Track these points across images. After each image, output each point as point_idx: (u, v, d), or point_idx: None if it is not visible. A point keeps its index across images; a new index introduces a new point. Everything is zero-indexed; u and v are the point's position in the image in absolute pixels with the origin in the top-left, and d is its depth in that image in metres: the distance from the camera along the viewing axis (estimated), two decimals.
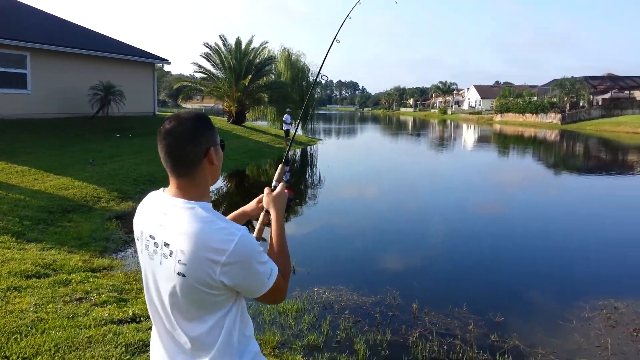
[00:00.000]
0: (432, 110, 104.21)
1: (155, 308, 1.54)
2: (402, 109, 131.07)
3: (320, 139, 31.32)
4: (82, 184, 10.28)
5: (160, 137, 1.49)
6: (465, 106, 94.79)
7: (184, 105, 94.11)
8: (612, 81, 60.64)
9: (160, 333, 1.54)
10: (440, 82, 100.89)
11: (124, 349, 3.63)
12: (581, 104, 57.65)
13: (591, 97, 56.87)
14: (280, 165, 2.01)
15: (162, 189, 1.57)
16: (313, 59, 45.62)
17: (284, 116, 24.20)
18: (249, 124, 29.57)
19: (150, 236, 1.50)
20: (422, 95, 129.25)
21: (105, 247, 6.86)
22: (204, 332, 1.45)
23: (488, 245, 7.98)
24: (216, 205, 11.37)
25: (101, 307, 4.58)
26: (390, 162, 21.62)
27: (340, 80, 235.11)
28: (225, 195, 12.71)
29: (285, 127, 24.27)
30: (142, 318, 4.47)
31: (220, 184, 14.13)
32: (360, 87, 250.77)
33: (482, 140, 38.31)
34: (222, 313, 1.45)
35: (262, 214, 1.82)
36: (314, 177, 15.97)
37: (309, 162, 21.10)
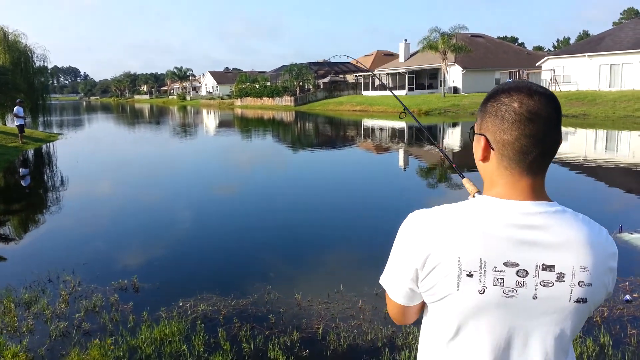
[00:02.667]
0: (171, 97, 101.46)
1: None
2: (137, 97, 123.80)
3: (60, 134, 27.20)
4: None
5: (523, 118, 1.06)
6: (203, 92, 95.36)
7: None
8: (329, 66, 69.47)
9: None
10: (176, 67, 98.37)
11: None
12: (307, 87, 64.39)
13: (316, 81, 63.94)
14: None
15: (476, 195, 1.12)
16: (38, 40, 39.09)
17: (15, 108, 20.05)
18: None
19: (506, 264, 1.04)
20: (157, 81, 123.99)
21: None
22: None
23: (282, 221, 8.26)
24: None
25: None
26: (141, 153, 20.30)
27: (56, 66, 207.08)
28: None
29: (17, 122, 20.13)
30: None
31: None
32: (82, 73, 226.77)
33: (226, 124, 39.27)
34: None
35: None
36: (72, 179, 13.81)
37: (52, 162, 18.16)
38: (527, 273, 1.04)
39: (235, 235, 7.70)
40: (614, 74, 36.28)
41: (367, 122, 34.58)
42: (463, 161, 16.20)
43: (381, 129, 29.43)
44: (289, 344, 4.11)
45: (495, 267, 1.04)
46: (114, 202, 10.52)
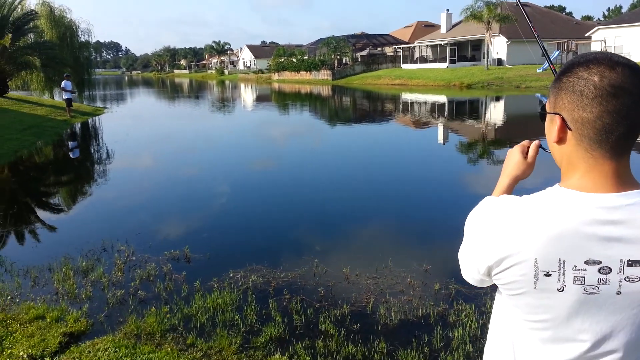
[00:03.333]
0: (209, 71, 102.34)
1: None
2: (177, 71, 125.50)
3: (106, 107, 27.95)
4: None
5: (604, 93, 0.96)
6: (241, 66, 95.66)
7: None
8: (368, 39, 68.30)
9: None
10: (214, 41, 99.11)
11: None
12: (344, 60, 63.60)
13: (354, 54, 63.04)
14: None
15: (556, 187, 1.03)
16: (81, 15, 39.96)
17: (63, 82, 20.64)
18: (14, 94, 24.55)
19: (588, 262, 0.98)
20: (195, 56, 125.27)
21: None
22: None
23: (336, 194, 8.23)
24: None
25: None
26: (183, 127, 20.63)
27: (98, 41, 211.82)
28: (13, 193, 10.41)
29: (65, 96, 20.76)
30: None
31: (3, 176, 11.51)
32: (124, 48, 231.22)
33: (264, 99, 39.39)
34: None
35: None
36: (119, 151, 14.17)
37: (99, 135, 18.68)
38: (611, 270, 0.98)
39: (280, 208, 7.75)
40: None
41: (407, 96, 33.96)
42: (507, 136, 15.73)
43: (420, 103, 28.86)
44: (339, 317, 4.13)
45: (575, 265, 0.98)
46: (161, 175, 10.77)
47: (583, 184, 1.01)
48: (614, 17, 57.62)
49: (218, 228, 6.87)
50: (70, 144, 16.66)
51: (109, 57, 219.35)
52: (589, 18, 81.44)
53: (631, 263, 0.97)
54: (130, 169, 11.62)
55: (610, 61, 0.97)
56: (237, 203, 8.23)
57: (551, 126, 1.07)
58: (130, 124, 22.14)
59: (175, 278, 5.02)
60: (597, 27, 41.21)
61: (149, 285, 4.89)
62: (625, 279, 0.98)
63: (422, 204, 7.87)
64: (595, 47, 39.31)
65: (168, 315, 4.17)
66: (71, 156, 14.31)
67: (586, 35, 41.68)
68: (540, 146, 1.31)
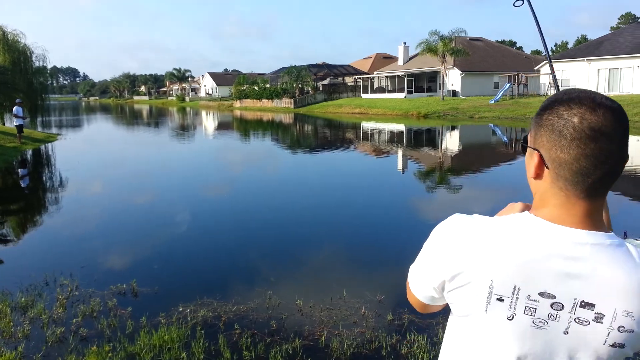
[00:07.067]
0: (170, 98, 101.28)
1: None
2: (136, 97, 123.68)
3: (59, 134, 27.08)
4: None
5: (583, 136, 0.93)
6: (202, 93, 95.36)
7: None
8: (329, 69, 69.52)
9: None
10: (175, 69, 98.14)
11: None
12: (306, 89, 64.36)
13: (315, 83, 63.90)
14: None
15: (525, 213, 1.02)
16: (36, 40, 38.96)
17: (14, 108, 19.92)
18: None
19: (542, 294, 0.95)
20: (156, 82, 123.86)
21: None
22: None
23: (295, 223, 8.18)
24: None
25: None
26: (139, 154, 20.22)
27: (55, 67, 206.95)
28: None
29: (16, 122, 20.02)
30: None
31: None
32: (82, 73, 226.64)
33: (225, 126, 39.22)
34: None
35: None
36: (70, 180, 13.69)
37: (51, 163, 18.04)
38: (563, 307, 0.96)
39: (235, 239, 7.60)
40: (613, 78, 36.30)
41: (367, 125, 34.50)
42: (463, 164, 16.12)
43: (380, 132, 29.37)
44: (290, 352, 4.02)
45: (529, 295, 0.96)
46: (113, 204, 10.42)
47: (554, 216, 0.99)
48: (561, 52, 60.85)
49: (169, 259, 6.64)
50: (20, 171, 15.99)
51: (66, 82, 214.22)
52: (538, 52, 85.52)
53: (584, 304, 0.95)
54: (80, 197, 11.21)
55: (593, 102, 0.95)
56: (191, 232, 8.02)
57: (530, 160, 1.06)
58: (83, 151, 21.47)
59: (120, 314, 4.80)
60: (545, 61, 43.34)
61: (91, 322, 4.64)
62: (575, 319, 0.96)
63: (378, 232, 7.89)
64: (544, 80, 41.30)
65: (110, 355, 3.96)
66: (20, 184, 13.71)
67: (535, 68, 43.78)
68: None
